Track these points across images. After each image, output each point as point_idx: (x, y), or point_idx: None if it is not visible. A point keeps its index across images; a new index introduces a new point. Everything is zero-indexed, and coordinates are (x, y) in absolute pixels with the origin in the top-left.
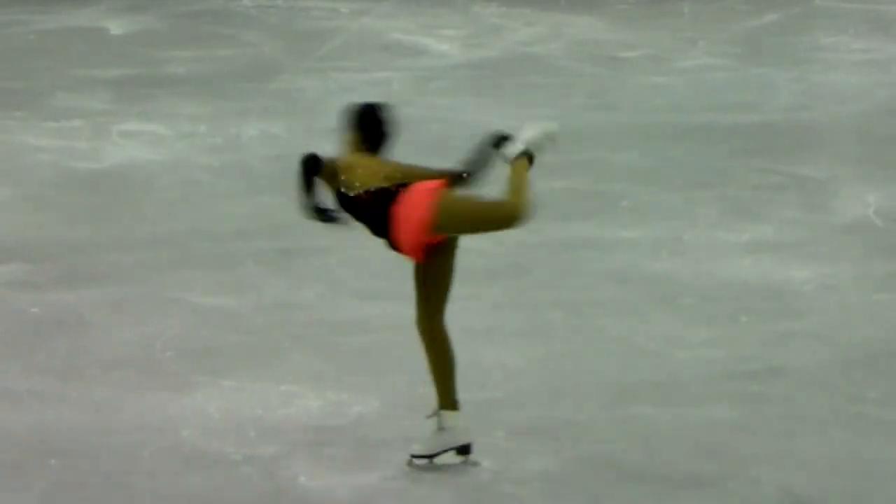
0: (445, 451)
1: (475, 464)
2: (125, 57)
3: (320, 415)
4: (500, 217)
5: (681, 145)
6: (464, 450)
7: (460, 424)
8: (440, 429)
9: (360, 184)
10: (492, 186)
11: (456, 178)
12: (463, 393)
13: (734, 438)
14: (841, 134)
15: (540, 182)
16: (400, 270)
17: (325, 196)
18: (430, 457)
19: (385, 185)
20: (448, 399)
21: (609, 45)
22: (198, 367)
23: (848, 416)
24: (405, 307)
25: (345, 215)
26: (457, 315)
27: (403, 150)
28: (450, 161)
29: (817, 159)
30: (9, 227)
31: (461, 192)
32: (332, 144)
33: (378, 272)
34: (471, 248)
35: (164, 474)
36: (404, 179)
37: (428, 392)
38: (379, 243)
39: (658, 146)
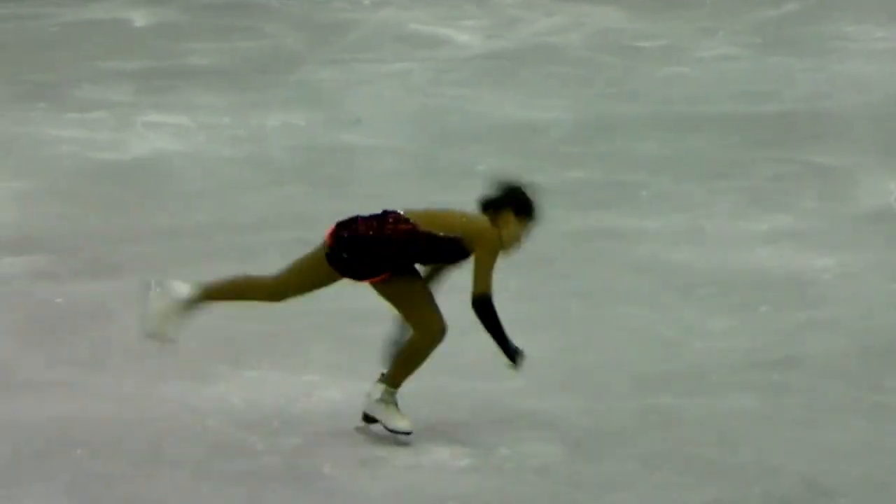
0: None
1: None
2: (148, 49)
3: (342, 405)
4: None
5: (700, 135)
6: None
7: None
8: (389, 403)
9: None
10: None
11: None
12: (483, 382)
13: (754, 427)
14: (861, 123)
15: (560, 172)
16: None
17: None
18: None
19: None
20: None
21: (629, 35)
22: (220, 357)
23: (868, 404)
24: None
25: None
26: None
27: (423, 140)
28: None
29: (837, 148)
30: (33, 219)
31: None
32: (352, 135)
33: None
34: None
35: (189, 464)
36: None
37: (449, 382)
38: None
39: (678, 136)
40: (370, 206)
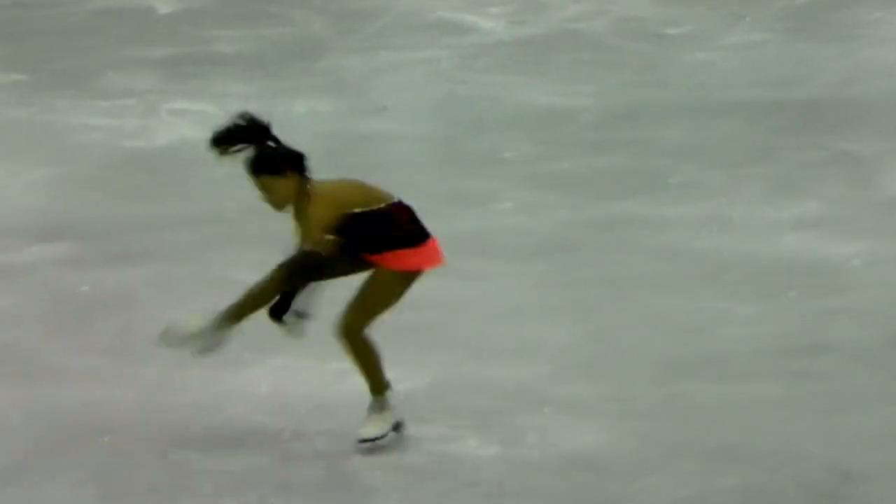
0: (392, 430)
1: (522, 440)
2: (174, 36)
3: (369, 392)
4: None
5: (727, 122)
6: (397, 427)
7: (393, 402)
8: (383, 409)
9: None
10: None
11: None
12: (508, 369)
13: (780, 414)
14: (888, 109)
15: (587, 159)
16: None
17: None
18: (379, 438)
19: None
20: (381, 385)
21: (655, 22)
22: (246, 345)
23: (894, 391)
24: (452, 284)
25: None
26: (503, 292)
27: (450, 128)
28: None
29: (864, 135)
30: (59, 206)
31: None
32: (378, 123)
33: None
34: (515, 227)
35: (215, 451)
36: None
37: (475, 369)
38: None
39: (704, 123)
40: (396, 194)
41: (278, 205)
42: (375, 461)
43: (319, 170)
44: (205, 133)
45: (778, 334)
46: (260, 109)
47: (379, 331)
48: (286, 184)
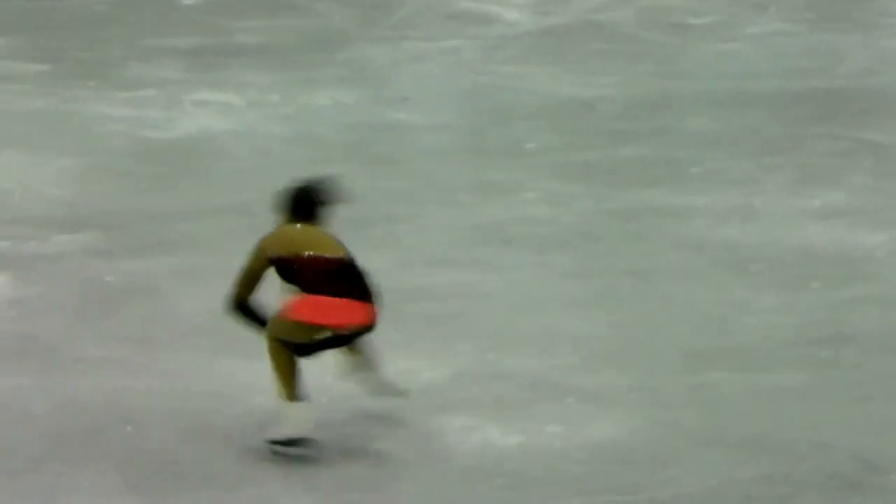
0: (296, 441)
1: (545, 430)
2: (196, 26)
3: (394, 381)
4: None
5: (751, 112)
6: (305, 442)
7: (305, 415)
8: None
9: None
10: None
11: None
12: (531, 359)
13: (804, 404)
14: None
15: (610, 149)
16: (470, 239)
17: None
18: (284, 443)
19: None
20: (294, 395)
21: (679, 12)
22: None
23: None
24: (475, 275)
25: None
26: (526, 282)
27: (473, 118)
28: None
29: (888, 124)
30: (83, 197)
31: None
32: (401, 113)
33: (448, 240)
34: (538, 217)
35: (239, 440)
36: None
37: (498, 359)
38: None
39: (728, 112)
40: (419, 185)
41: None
42: (398, 450)
43: (343, 160)
44: (227, 123)
45: (802, 324)
46: (283, 100)
47: (403, 321)
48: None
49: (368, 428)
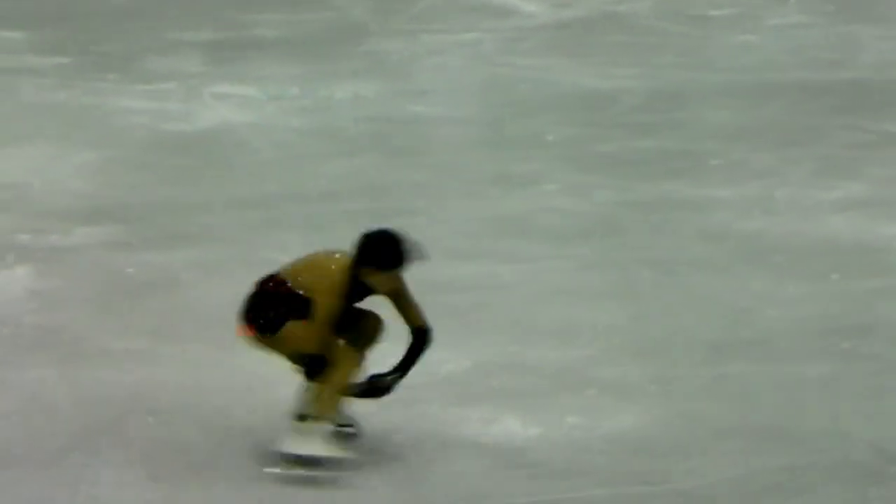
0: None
1: (566, 421)
2: (217, 19)
3: (411, 373)
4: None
5: (772, 103)
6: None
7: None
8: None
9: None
10: None
11: None
12: (552, 351)
13: (825, 395)
14: None
15: (631, 141)
16: (491, 231)
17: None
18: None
19: None
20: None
21: (698, 4)
22: None
23: None
24: (496, 267)
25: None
26: (547, 274)
27: (492, 110)
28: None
29: None
30: (104, 189)
31: None
32: (420, 106)
33: (469, 232)
34: (559, 209)
35: (261, 431)
36: None
37: (519, 350)
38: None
39: (749, 104)
40: (439, 177)
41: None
42: (420, 441)
43: (363, 153)
44: (247, 116)
45: (824, 315)
46: (302, 93)
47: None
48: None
49: (389, 419)
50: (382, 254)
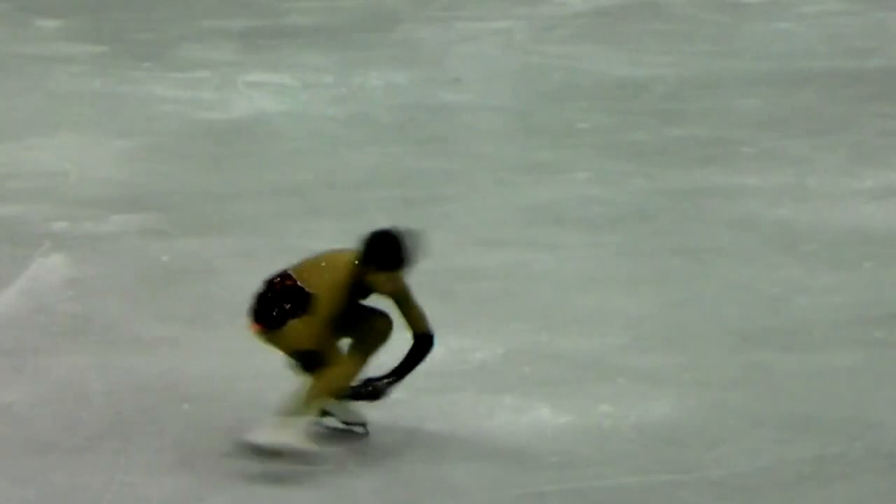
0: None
1: (596, 410)
2: (250, 8)
3: (444, 361)
4: None
5: (804, 91)
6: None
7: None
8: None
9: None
10: None
11: None
12: (583, 339)
13: (857, 383)
14: None
15: (662, 129)
16: (523, 219)
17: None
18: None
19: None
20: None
21: None
22: None
23: None
24: (527, 255)
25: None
26: (578, 262)
27: (525, 98)
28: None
29: None
30: (139, 177)
31: None
32: (453, 94)
33: (500, 220)
34: (590, 197)
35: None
36: None
37: (550, 338)
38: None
39: (781, 92)
40: (471, 165)
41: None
42: (448, 431)
43: (396, 141)
44: (281, 104)
45: (855, 304)
46: (336, 81)
47: (455, 301)
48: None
49: (419, 408)
50: (384, 254)
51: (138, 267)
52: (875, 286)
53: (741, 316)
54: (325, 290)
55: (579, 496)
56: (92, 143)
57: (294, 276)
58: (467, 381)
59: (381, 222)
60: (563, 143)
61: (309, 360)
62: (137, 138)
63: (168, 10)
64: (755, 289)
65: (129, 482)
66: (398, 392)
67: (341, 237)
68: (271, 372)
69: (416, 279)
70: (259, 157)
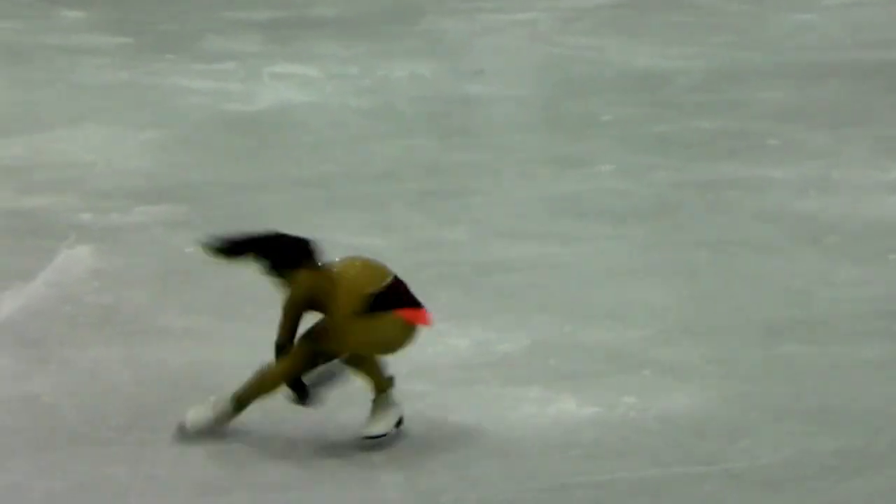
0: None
1: (621, 401)
2: None
3: (468, 353)
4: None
5: (828, 83)
6: (399, 422)
7: (396, 399)
8: (387, 407)
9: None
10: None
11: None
12: (607, 331)
13: (881, 376)
14: None
15: (687, 121)
16: (546, 211)
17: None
18: (383, 436)
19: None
20: (383, 382)
21: None
22: None
23: None
24: (551, 247)
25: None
26: (602, 254)
27: (548, 90)
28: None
29: None
30: (163, 169)
31: None
32: (477, 86)
33: (523, 213)
34: (614, 189)
35: (320, 410)
36: None
37: (575, 330)
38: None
39: (805, 84)
40: (494, 157)
41: (302, 297)
42: (473, 422)
43: (419, 133)
44: (305, 96)
45: (879, 296)
46: (360, 73)
47: (480, 293)
48: (305, 275)
49: (445, 399)
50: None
51: (164, 258)
52: None
53: (765, 308)
54: (295, 281)
55: (603, 488)
56: (117, 135)
57: None
58: (491, 373)
59: (405, 213)
60: (587, 135)
61: (277, 347)
62: (162, 130)
63: (192, 1)
64: (779, 281)
65: (154, 474)
66: (423, 384)
67: (363, 228)
68: None
69: (441, 271)
70: (283, 149)
